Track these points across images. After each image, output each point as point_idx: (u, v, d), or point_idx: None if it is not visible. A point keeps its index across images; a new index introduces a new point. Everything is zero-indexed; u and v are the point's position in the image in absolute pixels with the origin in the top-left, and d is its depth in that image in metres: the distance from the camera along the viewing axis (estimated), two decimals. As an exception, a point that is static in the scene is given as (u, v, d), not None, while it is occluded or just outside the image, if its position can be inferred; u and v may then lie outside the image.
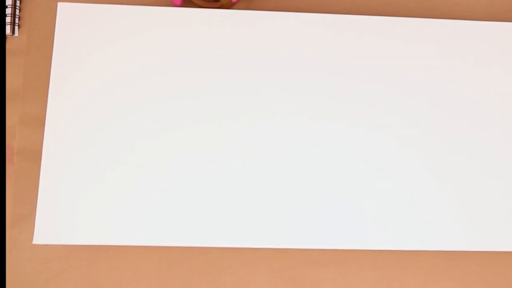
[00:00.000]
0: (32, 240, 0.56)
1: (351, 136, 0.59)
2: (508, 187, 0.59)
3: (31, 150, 0.59)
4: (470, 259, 0.60)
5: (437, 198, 0.58)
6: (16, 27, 0.62)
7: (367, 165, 0.58)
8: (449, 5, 0.66)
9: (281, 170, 0.57)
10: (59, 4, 0.59)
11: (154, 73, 0.59)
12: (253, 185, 0.57)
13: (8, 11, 0.61)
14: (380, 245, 0.57)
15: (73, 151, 0.57)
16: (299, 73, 0.60)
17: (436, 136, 0.59)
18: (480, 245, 0.57)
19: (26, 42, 0.61)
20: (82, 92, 0.58)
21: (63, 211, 0.55)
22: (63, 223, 0.55)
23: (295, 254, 0.59)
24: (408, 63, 0.61)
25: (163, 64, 0.59)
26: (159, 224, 0.56)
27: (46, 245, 0.57)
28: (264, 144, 0.58)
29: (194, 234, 0.56)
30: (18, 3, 0.62)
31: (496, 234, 0.58)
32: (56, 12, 0.59)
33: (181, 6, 0.62)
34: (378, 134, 0.59)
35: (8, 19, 0.61)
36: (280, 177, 0.57)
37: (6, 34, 0.61)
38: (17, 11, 0.62)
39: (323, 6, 0.64)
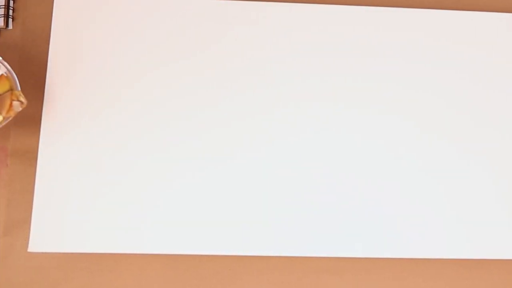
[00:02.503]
0: (27, 248, 0.55)
1: (365, 143, 0.58)
2: None
3: (26, 152, 0.58)
4: (493, 268, 0.59)
5: (456, 206, 0.58)
6: (10, 20, 0.61)
7: (384, 172, 0.58)
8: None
9: (292, 177, 0.57)
10: (56, -5, 0.59)
11: (155, 69, 0.58)
12: (262, 191, 0.57)
13: (2, 2, 0.60)
14: (398, 253, 0.56)
15: (71, 153, 0.56)
16: (302, 74, 0.59)
17: (456, 142, 0.59)
18: (505, 253, 0.57)
19: (21, 35, 0.61)
20: (81, 90, 0.58)
21: (60, 217, 0.55)
22: (61, 230, 0.55)
23: (307, 263, 0.58)
24: (413, 59, 0.60)
25: (164, 58, 0.59)
26: (164, 231, 0.55)
27: (43, 253, 0.56)
28: (274, 152, 0.58)
29: (200, 241, 0.55)
30: (12, -7, 0.61)
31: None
32: (52, 3, 0.59)
33: None
34: (393, 139, 0.59)
35: (1, 11, 0.60)
36: (292, 183, 0.57)
37: (0, 27, 0.60)
38: (11, 2, 0.61)
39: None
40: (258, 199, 0.56)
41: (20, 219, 0.57)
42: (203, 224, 0.55)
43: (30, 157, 0.58)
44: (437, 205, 0.57)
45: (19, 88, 0.54)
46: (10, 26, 0.60)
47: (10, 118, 0.53)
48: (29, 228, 0.55)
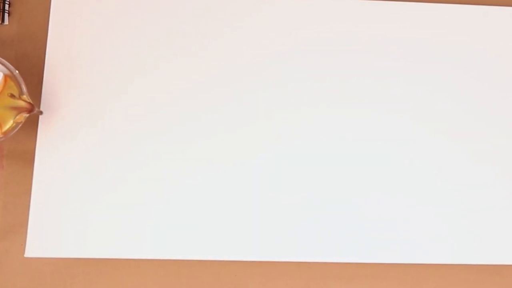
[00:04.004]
0: (24, 253, 0.55)
1: (374, 147, 0.58)
2: None
3: (23, 153, 0.58)
4: (506, 273, 0.59)
5: (467, 211, 0.57)
6: (6, 15, 0.60)
7: (393, 176, 0.58)
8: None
9: (300, 180, 0.57)
10: (54, -11, 0.59)
11: (156, 68, 0.58)
12: (268, 195, 0.57)
13: (-3, -4, 0.60)
14: (405, 259, 0.56)
15: (69, 154, 0.56)
16: (304, 72, 0.59)
17: (466, 144, 0.59)
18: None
19: (17, 31, 0.60)
20: (79, 88, 0.58)
21: (58, 221, 0.55)
22: (58, 234, 0.55)
23: (313, 268, 0.58)
24: (420, 56, 0.60)
25: (164, 57, 0.59)
26: (166, 235, 0.55)
27: (40, 258, 0.56)
28: (279, 155, 0.58)
29: (204, 246, 0.55)
30: (8, -13, 0.61)
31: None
32: (50, -2, 0.60)
33: None
34: (402, 144, 0.58)
35: (-3, 6, 0.60)
36: (298, 187, 0.57)
37: (-5, 22, 0.60)
38: (7, -4, 0.61)
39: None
40: (264, 204, 0.56)
41: (16, 223, 0.57)
42: (207, 229, 0.55)
43: (27, 158, 0.57)
44: (447, 210, 0.57)
45: (25, 90, 0.53)
46: (6, 22, 0.60)
47: (21, 124, 0.53)
48: (25, 233, 0.55)
